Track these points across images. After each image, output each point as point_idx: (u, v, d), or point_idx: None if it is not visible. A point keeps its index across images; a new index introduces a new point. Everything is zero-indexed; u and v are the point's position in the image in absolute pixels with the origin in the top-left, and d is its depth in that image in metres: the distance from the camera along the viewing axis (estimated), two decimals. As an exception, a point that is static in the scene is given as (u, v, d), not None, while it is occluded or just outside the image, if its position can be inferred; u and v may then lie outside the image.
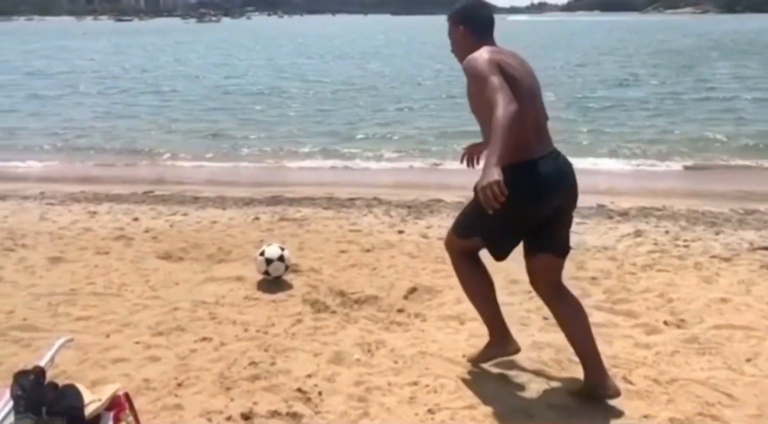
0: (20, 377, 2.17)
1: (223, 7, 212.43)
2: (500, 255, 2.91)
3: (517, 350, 3.11)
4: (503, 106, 2.44)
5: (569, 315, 2.92)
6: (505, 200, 2.36)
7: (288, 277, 4.29)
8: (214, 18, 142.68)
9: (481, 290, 3.03)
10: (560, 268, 2.93)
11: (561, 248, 2.89)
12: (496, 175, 2.34)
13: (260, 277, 4.26)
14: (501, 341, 3.07)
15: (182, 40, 54.08)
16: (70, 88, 20.30)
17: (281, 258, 4.22)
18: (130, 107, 16.15)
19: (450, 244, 3.05)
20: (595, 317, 3.70)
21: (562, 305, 2.93)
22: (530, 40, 50.08)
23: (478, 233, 2.85)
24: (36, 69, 26.67)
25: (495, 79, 2.52)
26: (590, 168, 9.61)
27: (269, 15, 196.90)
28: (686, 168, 9.68)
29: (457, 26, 2.86)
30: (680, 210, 6.63)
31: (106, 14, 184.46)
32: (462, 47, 2.83)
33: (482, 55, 2.65)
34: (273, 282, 4.22)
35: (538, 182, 2.67)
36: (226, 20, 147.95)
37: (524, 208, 2.67)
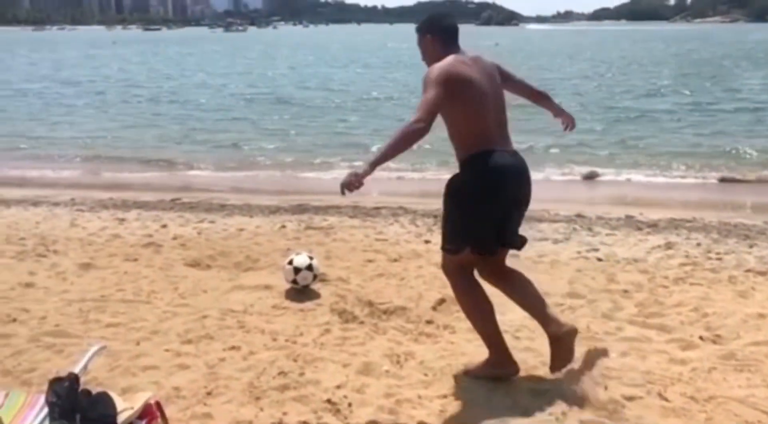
0: (55, 383, 2.19)
1: (250, 17, 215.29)
2: (491, 252, 3.02)
3: (517, 371, 3.08)
4: (412, 122, 2.72)
5: (520, 287, 3.10)
6: (472, 192, 2.84)
7: (316, 286, 4.29)
8: (240, 27, 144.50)
9: (481, 311, 3.05)
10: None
11: (519, 243, 3.06)
12: (360, 170, 2.66)
13: (288, 286, 4.26)
14: (501, 360, 3.07)
15: (208, 49, 54.82)
16: (98, 96, 20.69)
17: (309, 267, 4.22)
18: (156, 116, 16.39)
19: (446, 266, 3.10)
20: (627, 331, 3.65)
21: (511, 280, 3.12)
22: (554, 49, 49.79)
23: (464, 241, 2.96)
24: (65, 77, 27.24)
25: (428, 96, 2.79)
26: (617, 179, 9.54)
27: (295, 24, 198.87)
28: (720, 180, 9.45)
29: (425, 36, 3.11)
30: (711, 222, 6.50)
31: (135, 23, 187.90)
32: (431, 55, 3.07)
33: (435, 71, 2.87)
34: (301, 291, 4.21)
35: (497, 169, 2.89)
36: (252, 29, 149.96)
37: (488, 193, 2.86)
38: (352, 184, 2.66)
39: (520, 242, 3.05)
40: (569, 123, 3.44)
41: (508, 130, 3.03)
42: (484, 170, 2.88)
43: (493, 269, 3.09)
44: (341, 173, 10.00)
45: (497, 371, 3.06)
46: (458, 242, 2.97)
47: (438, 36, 3.08)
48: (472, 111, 2.90)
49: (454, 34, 3.09)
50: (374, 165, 2.69)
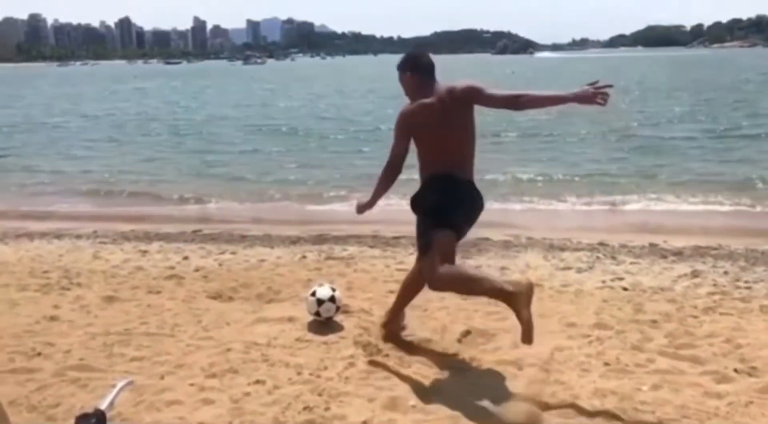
0: (81, 420, 2.17)
1: (268, 49, 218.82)
2: (453, 226, 3.42)
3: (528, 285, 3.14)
4: (385, 165, 3.49)
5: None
6: (427, 193, 3.47)
7: (338, 318, 4.26)
8: (259, 60, 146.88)
9: (470, 277, 3.30)
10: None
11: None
12: (363, 202, 3.60)
13: (311, 318, 4.23)
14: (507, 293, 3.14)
15: (227, 82, 55.70)
16: (117, 129, 21.02)
17: (332, 299, 4.19)
18: (175, 149, 16.48)
19: (424, 269, 3.44)
20: (658, 362, 3.56)
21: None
22: (570, 75, 49.84)
23: (430, 238, 3.39)
24: (85, 111, 27.75)
25: (393, 143, 3.47)
26: (638, 207, 9.38)
27: (312, 56, 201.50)
28: (746, 206, 9.28)
29: (405, 73, 3.56)
30: (737, 250, 6.39)
31: (155, 57, 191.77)
32: (410, 90, 3.53)
33: (398, 119, 3.46)
34: (324, 323, 4.18)
35: (447, 184, 3.42)
36: (270, 62, 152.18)
37: (438, 197, 3.41)
38: (359, 211, 3.60)
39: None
40: (592, 97, 3.17)
41: (470, 162, 3.49)
42: (437, 179, 3.43)
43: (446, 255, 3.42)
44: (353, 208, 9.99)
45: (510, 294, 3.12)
46: (428, 233, 3.40)
47: (416, 74, 3.49)
48: (428, 148, 3.44)
49: (429, 69, 3.49)
50: (372, 201, 3.57)
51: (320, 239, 7.10)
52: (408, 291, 3.85)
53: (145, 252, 6.57)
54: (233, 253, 6.47)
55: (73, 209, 10.28)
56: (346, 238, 7.12)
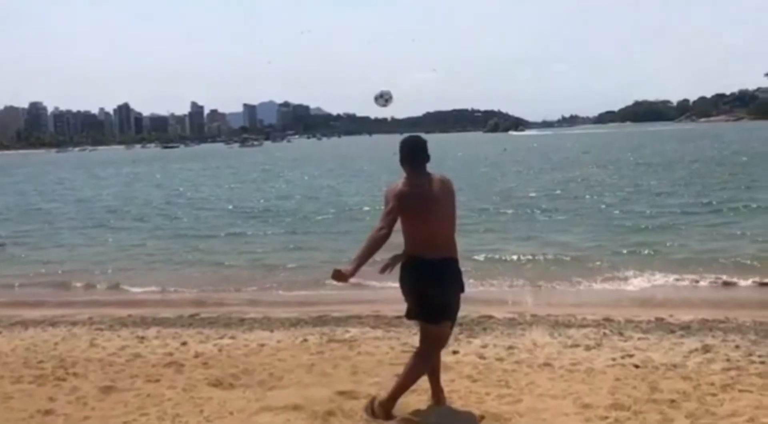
0: None
1: (265, 132, 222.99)
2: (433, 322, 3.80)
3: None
4: (375, 230, 3.68)
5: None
6: (404, 281, 3.81)
7: (348, 405, 4.08)
8: (256, 142, 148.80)
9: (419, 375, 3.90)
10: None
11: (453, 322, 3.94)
12: (342, 268, 3.59)
13: (317, 405, 4.05)
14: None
15: (223, 164, 56.27)
16: (112, 214, 20.97)
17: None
18: (169, 233, 16.26)
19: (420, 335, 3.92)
20: (682, 446, 3.41)
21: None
22: (560, 153, 50.75)
23: (414, 313, 3.83)
24: (80, 197, 27.75)
25: (387, 210, 3.74)
26: (640, 282, 9.22)
27: (309, 138, 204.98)
28: (746, 279, 9.11)
29: (400, 163, 3.95)
30: (745, 322, 6.30)
31: (153, 142, 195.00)
32: (406, 174, 3.91)
33: (390, 190, 3.84)
34: (331, 412, 3.99)
35: (417, 271, 3.77)
36: (267, 143, 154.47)
37: (413, 283, 3.77)
38: (339, 279, 3.60)
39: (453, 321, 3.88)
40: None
41: (452, 238, 3.83)
42: (408, 272, 3.80)
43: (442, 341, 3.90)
44: (358, 285, 9.70)
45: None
46: (411, 314, 3.84)
47: (406, 165, 3.90)
48: (411, 223, 3.76)
49: (410, 154, 3.91)
50: (355, 267, 3.59)
51: (321, 321, 6.97)
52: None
53: (142, 338, 6.43)
54: (232, 337, 6.34)
55: (68, 295, 10.15)
56: (346, 319, 7.00)
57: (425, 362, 3.86)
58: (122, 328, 7.01)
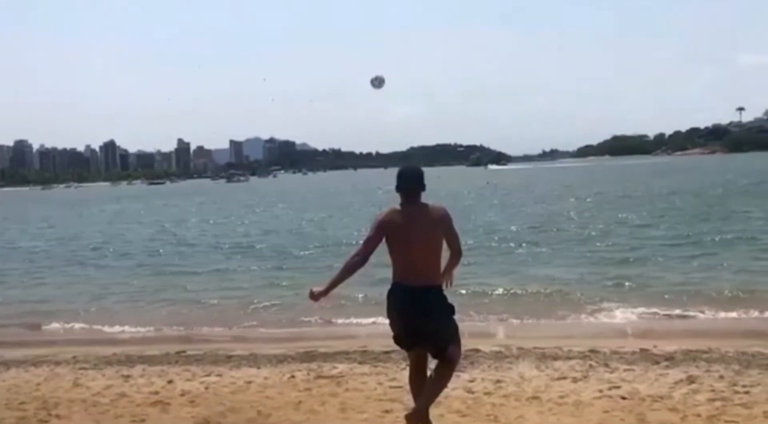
0: None
1: (251, 167, 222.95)
2: (403, 347, 4.11)
3: None
4: (350, 257, 3.93)
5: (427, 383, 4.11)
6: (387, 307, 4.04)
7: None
8: (242, 178, 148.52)
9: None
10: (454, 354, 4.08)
11: (437, 348, 4.01)
12: (317, 290, 3.91)
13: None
14: None
15: (207, 200, 55.97)
16: (95, 252, 20.70)
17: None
18: (152, 270, 16.07)
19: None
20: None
21: (423, 377, 4.17)
22: (542, 186, 51.26)
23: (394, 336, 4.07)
24: (63, 236, 27.34)
25: (368, 236, 3.96)
26: (622, 313, 9.26)
27: (294, 173, 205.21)
28: (729, 311, 9.17)
29: (396, 189, 4.10)
30: (728, 352, 6.38)
31: (139, 179, 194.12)
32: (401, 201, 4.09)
33: (374, 219, 4.05)
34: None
35: (398, 298, 3.98)
36: (253, 179, 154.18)
37: (394, 310, 3.99)
38: (311, 298, 3.92)
39: (438, 347, 3.96)
40: (447, 281, 4.13)
41: (433, 266, 3.96)
42: (390, 299, 4.01)
43: (417, 365, 4.12)
44: (345, 321, 9.65)
45: None
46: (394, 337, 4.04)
47: (400, 192, 4.08)
48: (392, 251, 3.99)
49: (401, 184, 4.06)
50: (328, 288, 3.90)
51: (308, 357, 6.95)
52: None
53: (127, 377, 6.36)
54: (219, 374, 6.29)
55: (51, 334, 9.99)
56: (334, 354, 6.98)
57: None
58: (107, 367, 6.93)
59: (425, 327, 3.91)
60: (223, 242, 21.66)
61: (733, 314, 8.97)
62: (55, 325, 10.47)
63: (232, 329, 9.75)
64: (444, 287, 4.09)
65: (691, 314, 9.15)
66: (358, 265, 3.89)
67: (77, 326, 10.42)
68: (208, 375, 6.28)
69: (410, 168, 4.21)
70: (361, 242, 3.98)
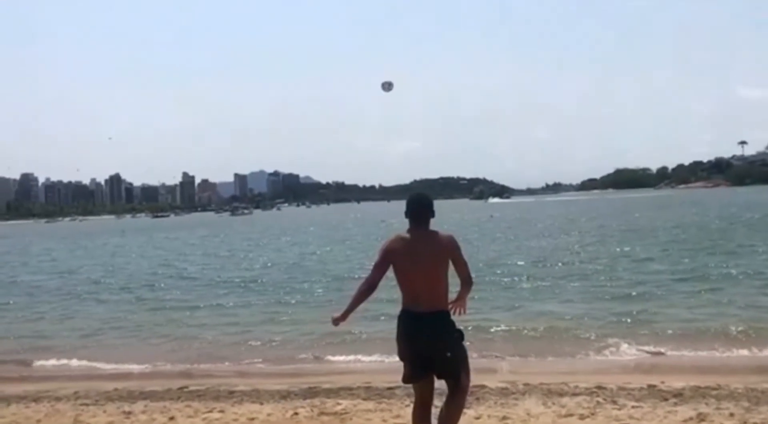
0: None
1: (255, 200, 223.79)
2: (409, 379, 4.16)
3: None
4: (361, 284, 4.09)
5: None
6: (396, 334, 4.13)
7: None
8: (246, 211, 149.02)
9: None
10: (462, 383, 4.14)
11: (448, 373, 4.08)
12: (336, 315, 4.10)
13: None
14: None
15: (210, 234, 55.89)
16: (96, 285, 20.65)
17: None
18: (151, 304, 16.00)
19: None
20: None
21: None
22: (545, 220, 51.19)
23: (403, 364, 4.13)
24: (65, 269, 27.28)
25: (375, 264, 4.09)
26: (627, 349, 9.14)
27: (298, 206, 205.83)
28: (736, 348, 9.03)
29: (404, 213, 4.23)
30: (737, 389, 6.30)
31: (143, 212, 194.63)
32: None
33: (381, 246, 4.16)
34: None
35: (406, 324, 4.08)
36: (257, 212, 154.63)
37: (402, 336, 4.08)
38: (333, 323, 4.09)
39: (449, 373, 4.04)
40: (459, 309, 4.15)
41: (438, 292, 4.02)
42: (399, 325, 4.10)
43: (422, 400, 4.18)
44: (346, 358, 9.50)
45: None
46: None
47: (409, 219, 4.16)
48: (398, 277, 4.08)
49: (410, 212, 4.15)
50: (344, 314, 4.08)
51: (311, 393, 6.87)
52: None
53: (129, 413, 6.30)
54: (221, 411, 6.23)
55: (52, 369, 9.89)
56: (337, 390, 6.90)
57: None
58: (108, 403, 6.87)
59: (434, 351, 3.97)
60: (224, 275, 21.53)
61: (743, 351, 8.84)
62: (54, 360, 10.36)
63: (234, 364, 9.66)
64: (457, 314, 4.12)
65: (699, 349, 9.03)
66: (365, 293, 4.04)
67: (77, 361, 10.30)
68: (211, 411, 6.23)
69: (420, 194, 4.29)
70: (372, 266, 4.11)
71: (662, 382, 6.70)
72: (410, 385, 4.23)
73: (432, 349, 3.97)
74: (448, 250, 4.06)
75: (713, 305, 12.14)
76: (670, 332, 10.02)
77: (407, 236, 4.11)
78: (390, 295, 4.20)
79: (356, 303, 4.06)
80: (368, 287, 4.03)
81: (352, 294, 4.09)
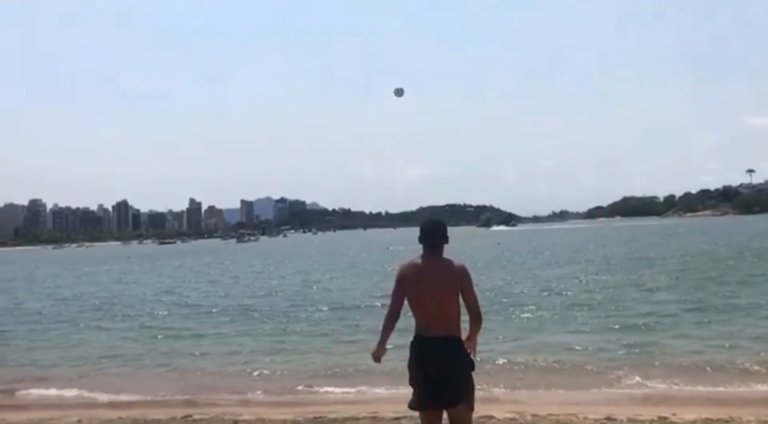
0: None
1: (261, 227, 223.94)
2: (418, 406, 4.12)
3: None
4: (386, 313, 4.18)
5: None
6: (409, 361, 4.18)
7: None
8: (252, 238, 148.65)
9: None
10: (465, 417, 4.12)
11: (461, 401, 4.04)
12: (373, 352, 4.20)
13: None
14: None
15: (216, 261, 55.69)
16: (99, 312, 20.57)
17: None
18: (156, 332, 15.83)
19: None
20: None
21: None
22: (552, 248, 50.85)
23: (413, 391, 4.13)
24: (69, 296, 27.20)
25: (393, 291, 4.16)
26: (639, 381, 8.98)
27: (304, 232, 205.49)
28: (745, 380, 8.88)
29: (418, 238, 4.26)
30: (750, 421, 6.21)
31: (150, 238, 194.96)
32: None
33: (397, 271, 4.22)
34: None
35: (417, 349, 4.11)
36: (263, 238, 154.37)
37: (413, 361, 4.12)
38: (374, 360, 4.19)
39: (456, 400, 3.99)
40: (471, 349, 4.16)
41: (450, 317, 4.05)
42: (411, 350, 4.14)
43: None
44: (352, 388, 9.38)
45: None
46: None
47: (423, 244, 4.19)
48: (412, 301, 4.11)
49: (423, 236, 4.18)
50: (379, 347, 4.16)
51: (316, 422, 6.83)
52: None
53: (132, 443, 6.22)
54: (226, 442, 6.14)
55: (54, 397, 9.79)
56: (343, 420, 6.86)
57: None
58: (111, 432, 6.80)
59: (444, 374, 3.96)
60: (228, 303, 21.40)
61: (755, 383, 8.68)
62: (55, 389, 10.24)
63: (238, 393, 9.56)
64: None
65: (710, 381, 8.88)
66: (391, 321, 4.13)
67: (81, 389, 10.22)
68: (214, 442, 6.14)
69: (433, 220, 4.31)
70: (392, 294, 4.20)
71: (673, 414, 6.61)
72: (416, 413, 4.18)
73: (442, 372, 3.96)
74: (459, 277, 4.06)
75: (724, 336, 11.95)
76: (680, 363, 9.89)
77: (419, 261, 4.12)
78: (398, 325, 4.15)
79: (387, 333, 4.12)
80: (392, 315, 4.11)
81: (380, 327, 4.18)
